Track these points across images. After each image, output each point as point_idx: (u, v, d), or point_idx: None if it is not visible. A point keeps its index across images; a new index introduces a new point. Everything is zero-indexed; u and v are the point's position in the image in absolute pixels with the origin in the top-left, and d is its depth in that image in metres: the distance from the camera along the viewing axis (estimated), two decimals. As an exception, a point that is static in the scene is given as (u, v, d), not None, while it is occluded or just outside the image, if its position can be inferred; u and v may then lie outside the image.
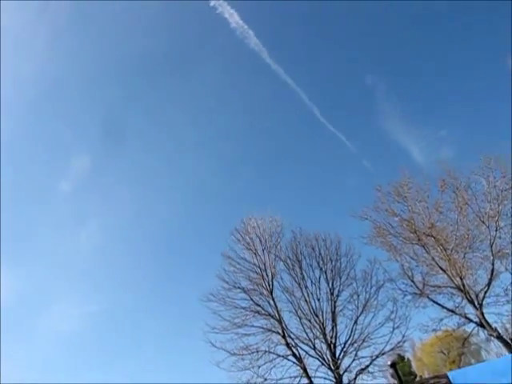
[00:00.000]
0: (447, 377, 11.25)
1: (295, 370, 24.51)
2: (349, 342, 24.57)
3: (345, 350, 24.52)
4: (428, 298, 25.17)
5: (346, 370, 24.14)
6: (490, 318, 23.83)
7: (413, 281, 25.38)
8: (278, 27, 45.97)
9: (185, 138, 49.67)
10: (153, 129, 48.34)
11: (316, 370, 24.40)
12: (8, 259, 40.67)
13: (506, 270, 24.15)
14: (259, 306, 25.72)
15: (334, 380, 24.03)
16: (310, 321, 25.01)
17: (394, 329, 24.41)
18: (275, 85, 44.88)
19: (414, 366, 44.63)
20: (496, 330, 24.00)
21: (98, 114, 48.74)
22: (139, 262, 45.65)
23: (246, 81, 48.73)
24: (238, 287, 26.23)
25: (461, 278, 23.69)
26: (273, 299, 25.74)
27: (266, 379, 24.38)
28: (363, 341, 24.50)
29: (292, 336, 25.06)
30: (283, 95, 46.29)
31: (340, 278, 25.56)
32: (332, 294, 25.32)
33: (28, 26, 44.98)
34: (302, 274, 25.78)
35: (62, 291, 43.20)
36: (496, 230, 23.80)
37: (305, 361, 24.50)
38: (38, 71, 45.40)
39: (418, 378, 37.38)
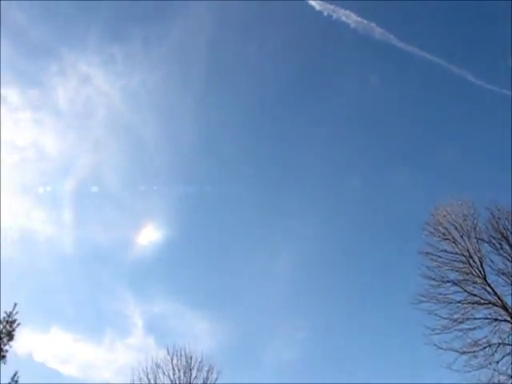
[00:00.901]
0: None
1: (542, 359, 21.74)
2: None
3: None
4: None
5: None
6: None
7: None
8: (393, 8, 43.87)
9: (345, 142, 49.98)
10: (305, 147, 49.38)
11: None
12: (221, 307, 46.88)
13: None
14: (476, 295, 23.62)
15: None
16: (541, 300, 22.17)
17: None
18: (414, 65, 42.74)
19: None
20: None
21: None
22: (335, 277, 46.35)
23: (386, 72, 46.93)
24: (447, 281, 24.48)
25: None
26: (489, 285, 23.31)
27: (511, 376, 22.02)
28: None
29: (525, 322, 22.44)
30: (426, 73, 43.42)
31: (562, 244, 22.35)
32: (558, 264, 22.19)
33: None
34: (512, 250, 23.18)
35: (272, 323, 45.67)
36: None
37: (550, 346, 21.64)
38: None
39: None
